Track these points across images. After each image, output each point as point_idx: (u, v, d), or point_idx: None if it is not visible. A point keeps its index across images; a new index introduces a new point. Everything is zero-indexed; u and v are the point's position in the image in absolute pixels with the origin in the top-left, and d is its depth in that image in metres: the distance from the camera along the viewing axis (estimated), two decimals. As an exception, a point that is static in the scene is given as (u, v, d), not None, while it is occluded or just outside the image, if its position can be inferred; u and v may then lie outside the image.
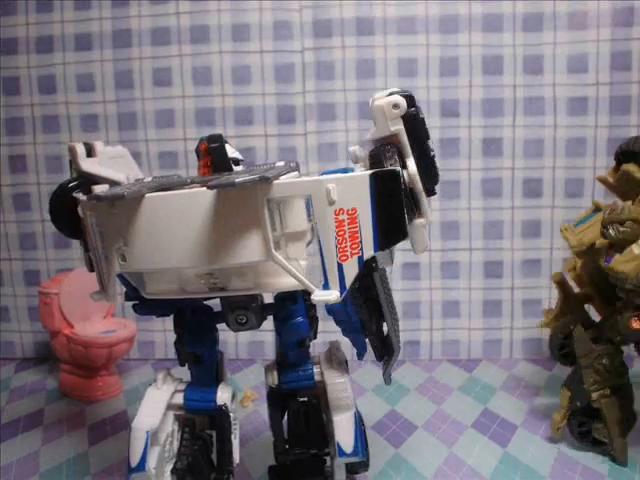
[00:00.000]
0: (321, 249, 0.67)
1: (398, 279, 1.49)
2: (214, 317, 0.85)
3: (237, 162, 0.83)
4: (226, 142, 0.83)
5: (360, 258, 0.67)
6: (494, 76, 1.42)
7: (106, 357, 1.31)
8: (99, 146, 0.89)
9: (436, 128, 1.43)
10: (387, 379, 0.82)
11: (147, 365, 1.52)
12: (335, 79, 1.45)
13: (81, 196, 0.81)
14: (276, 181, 0.66)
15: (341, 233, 0.66)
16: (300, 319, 0.83)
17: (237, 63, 1.46)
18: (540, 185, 1.45)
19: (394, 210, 0.67)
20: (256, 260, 0.68)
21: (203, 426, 0.87)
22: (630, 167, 0.97)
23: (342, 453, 0.80)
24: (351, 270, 0.67)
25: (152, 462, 0.80)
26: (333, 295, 0.67)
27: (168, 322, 1.52)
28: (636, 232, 0.89)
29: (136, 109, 1.49)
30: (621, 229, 0.89)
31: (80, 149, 0.86)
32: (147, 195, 0.68)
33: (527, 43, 1.40)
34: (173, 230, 0.67)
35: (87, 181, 0.86)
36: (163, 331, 1.55)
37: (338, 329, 0.86)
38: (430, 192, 0.72)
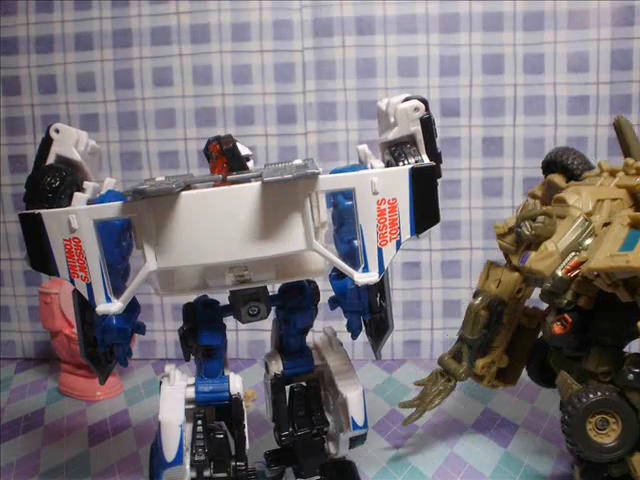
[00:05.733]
0: (362, 236, 0.73)
1: (399, 279, 1.49)
2: (221, 311, 0.88)
3: (247, 158, 0.85)
4: (236, 141, 0.85)
5: (398, 242, 0.75)
6: (494, 75, 1.42)
7: (106, 357, 1.30)
8: (84, 137, 0.83)
9: (436, 127, 1.43)
10: (378, 354, 0.90)
11: (148, 365, 1.52)
12: (335, 78, 1.45)
13: (44, 211, 0.73)
14: (322, 176, 0.72)
15: (382, 220, 0.73)
16: (309, 308, 0.88)
17: (237, 62, 1.45)
18: (541, 184, 1.45)
19: (430, 199, 0.75)
20: (300, 249, 0.73)
21: (212, 418, 0.88)
22: (554, 177, 1.02)
23: (356, 426, 0.87)
24: (389, 253, 0.75)
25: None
26: (374, 276, 0.74)
27: (168, 322, 1.54)
28: (549, 228, 0.85)
29: (136, 109, 1.48)
30: (533, 225, 0.86)
31: (81, 136, 0.79)
32: (190, 192, 0.71)
33: (527, 42, 1.40)
34: (219, 225, 0.71)
35: (73, 177, 0.78)
36: (163, 331, 1.55)
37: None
38: None
